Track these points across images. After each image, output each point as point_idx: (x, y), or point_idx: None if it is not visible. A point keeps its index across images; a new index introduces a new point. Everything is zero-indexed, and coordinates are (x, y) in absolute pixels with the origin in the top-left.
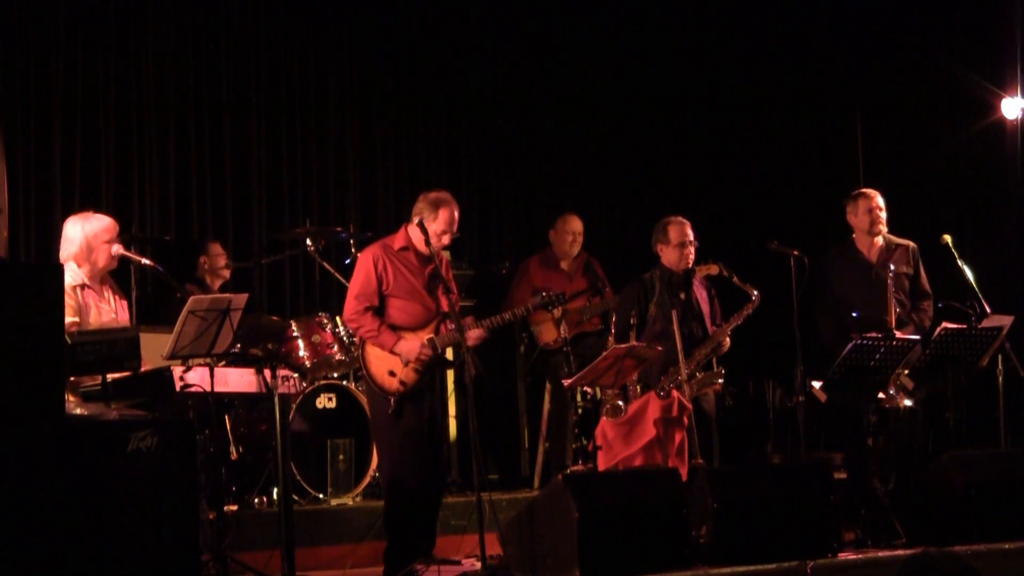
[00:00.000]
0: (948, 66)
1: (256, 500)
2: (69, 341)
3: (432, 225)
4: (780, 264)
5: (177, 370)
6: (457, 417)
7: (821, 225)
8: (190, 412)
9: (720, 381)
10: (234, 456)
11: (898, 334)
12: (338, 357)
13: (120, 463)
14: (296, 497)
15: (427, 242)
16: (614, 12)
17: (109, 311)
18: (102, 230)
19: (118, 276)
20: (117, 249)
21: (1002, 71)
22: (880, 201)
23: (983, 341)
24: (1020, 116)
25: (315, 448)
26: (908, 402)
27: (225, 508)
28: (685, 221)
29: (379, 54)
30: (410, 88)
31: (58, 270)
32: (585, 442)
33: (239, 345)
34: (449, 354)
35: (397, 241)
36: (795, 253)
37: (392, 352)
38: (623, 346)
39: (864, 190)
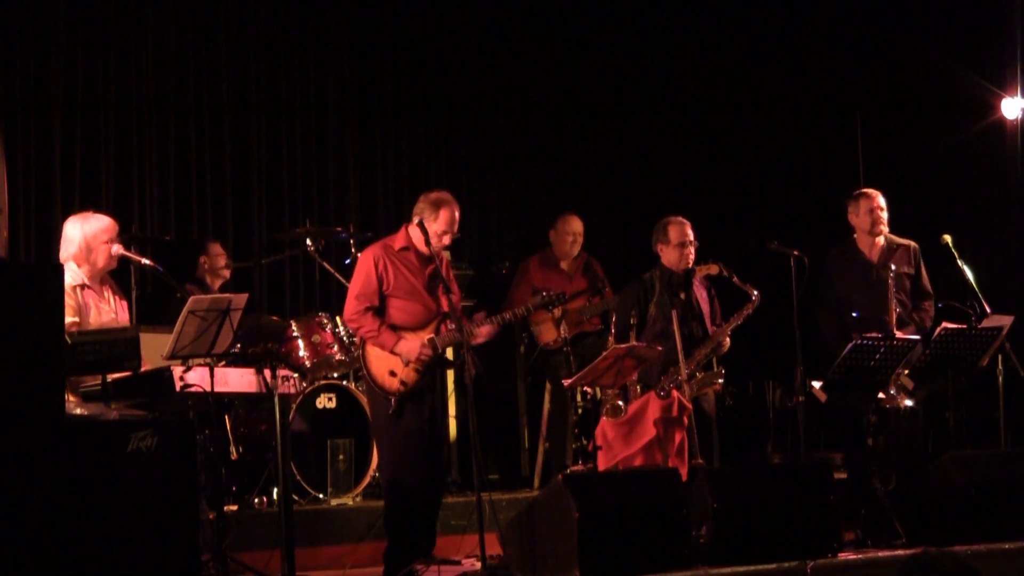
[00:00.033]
0: (948, 66)
1: (256, 500)
2: (69, 341)
3: (433, 225)
4: (780, 264)
5: (177, 370)
6: (457, 417)
7: (821, 225)
8: (190, 412)
9: (720, 381)
10: (234, 456)
11: (898, 334)
12: (338, 357)
13: (120, 463)
14: (296, 497)
15: (427, 242)
16: (614, 12)
17: (109, 311)
18: (101, 230)
19: (118, 276)
20: (117, 249)
21: (1002, 71)
22: (881, 201)
23: (983, 341)
24: (1020, 116)
25: (315, 448)
26: (909, 402)
27: (225, 508)
28: (685, 221)
29: (379, 54)
30: (410, 88)
31: (58, 270)
32: (585, 442)
33: (239, 345)
34: (449, 354)
35: (398, 241)
36: (795, 253)
37: (393, 352)
38: (623, 346)
39: (866, 190)
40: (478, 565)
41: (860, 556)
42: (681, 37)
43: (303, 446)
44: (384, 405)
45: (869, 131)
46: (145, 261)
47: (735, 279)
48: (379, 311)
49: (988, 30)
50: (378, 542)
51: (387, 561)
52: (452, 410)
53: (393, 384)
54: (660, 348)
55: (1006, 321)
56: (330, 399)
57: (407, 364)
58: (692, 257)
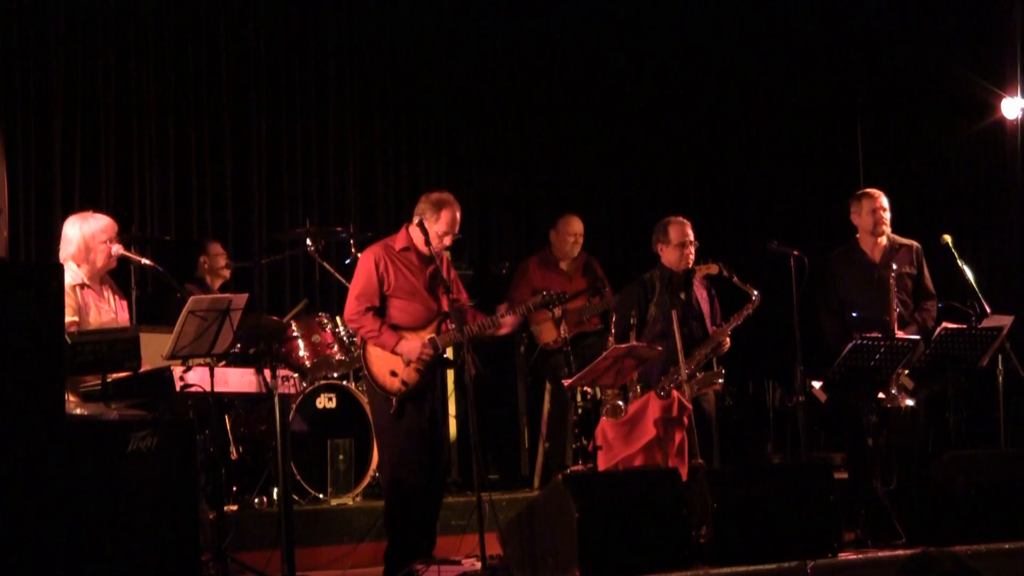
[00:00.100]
0: (948, 66)
1: (256, 500)
2: (69, 341)
3: (434, 226)
4: (780, 264)
5: (177, 370)
6: (457, 417)
7: (821, 225)
8: (190, 412)
9: (720, 381)
10: (234, 456)
11: (899, 334)
12: (338, 357)
13: (120, 463)
14: (296, 497)
15: (427, 242)
16: (614, 12)
17: (109, 311)
18: (100, 230)
19: (118, 276)
20: (117, 249)
21: (1002, 71)
22: (884, 201)
23: (983, 341)
24: (1020, 116)
25: (315, 448)
26: (910, 402)
27: (225, 508)
28: (685, 221)
29: (379, 54)
30: (410, 88)
31: (58, 270)
32: (585, 442)
33: (239, 345)
34: (449, 353)
35: (398, 241)
36: (795, 253)
37: (394, 352)
38: (623, 346)
39: (868, 190)
40: (478, 565)
41: (860, 556)
42: (681, 37)
43: (303, 446)
44: (385, 405)
45: (869, 131)
46: (145, 261)
47: (735, 279)
48: (380, 311)
49: (988, 30)
50: (378, 542)
51: (387, 561)
52: (452, 410)
53: (394, 384)
54: (660, 348)
55: (1006, 321)
56: (330, 399)
57: (408, 364)
58: (692, 257)
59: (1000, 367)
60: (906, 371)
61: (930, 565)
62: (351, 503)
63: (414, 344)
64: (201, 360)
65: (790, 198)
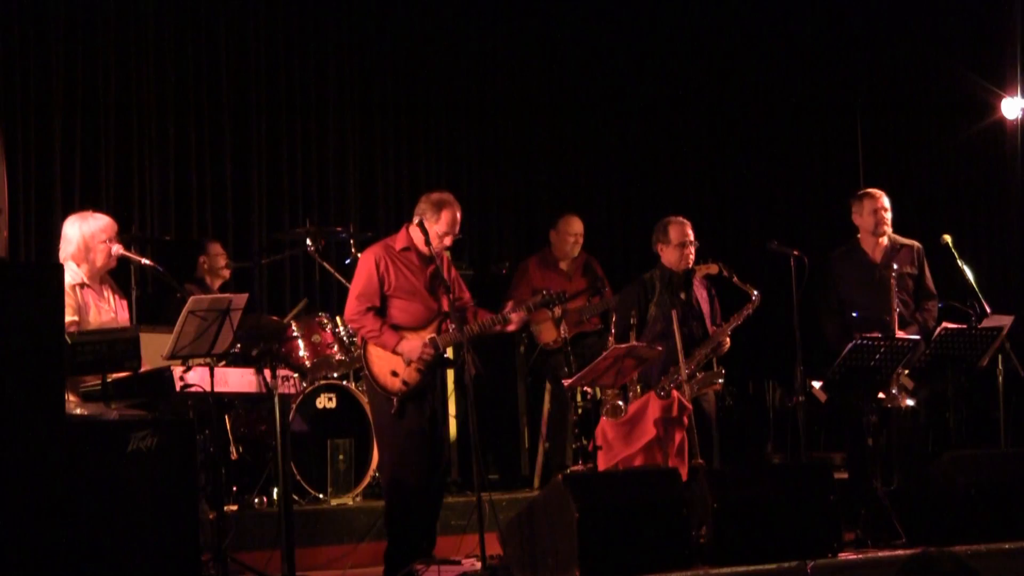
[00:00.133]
0: (948, 66)
1: (256, 500)
2: (69, 341)
3: (434, 226)
4: (780, 264)
5: (177, 370)
6: (457, 417)
7: (821, 225)
8: (190, 412)
9: (720, 381)
10: (234, 456)
11: (899, 334)
12: (338, 357)
13: (120, 463)
14: (296, 497)
15: (427, 242)
16: (614, 12)
17: (109, 310)
18: (99, 229)
19: (118, 276)
20: (117, 249)
21: (1002, 71)
22: (885, 202)
23: (983, 341)
24: (1020, 116)
25: (315, 448)
26: (910, 402)
27: (225, 508)
28: (685, 221)
29: (379, 54)
30: (410, 88)
31: (58, 270)
32: (585, 442)
33: (239, 345)
34: (450, 353)
35: (398, 241)
36: (795, 253)
37: (394, 352)
38: (623, 346)
39: (870, 190)
40: (478, 565)
41: (860, 556)
42: (681, 37)
43: (303, 446)
44: (386, 405)
45: (869, 131)
46: (145, 261)
47: (735, 279)
48: (380, 311)
49: (988, 30)
50: (378, 542)
51: (387, 561)
52: (452, 410)
53: (395, 384)
54: (660, 348)
55: (1006, 321)
56: (330, 399)
57: (409, 364)
58: (692, 257)
59: (1000, 367)
60: (906, 371)
61: (930, 565)
62: (351, 503)
63: (415, 344)
64: (201, 360)
65: (790, 198)
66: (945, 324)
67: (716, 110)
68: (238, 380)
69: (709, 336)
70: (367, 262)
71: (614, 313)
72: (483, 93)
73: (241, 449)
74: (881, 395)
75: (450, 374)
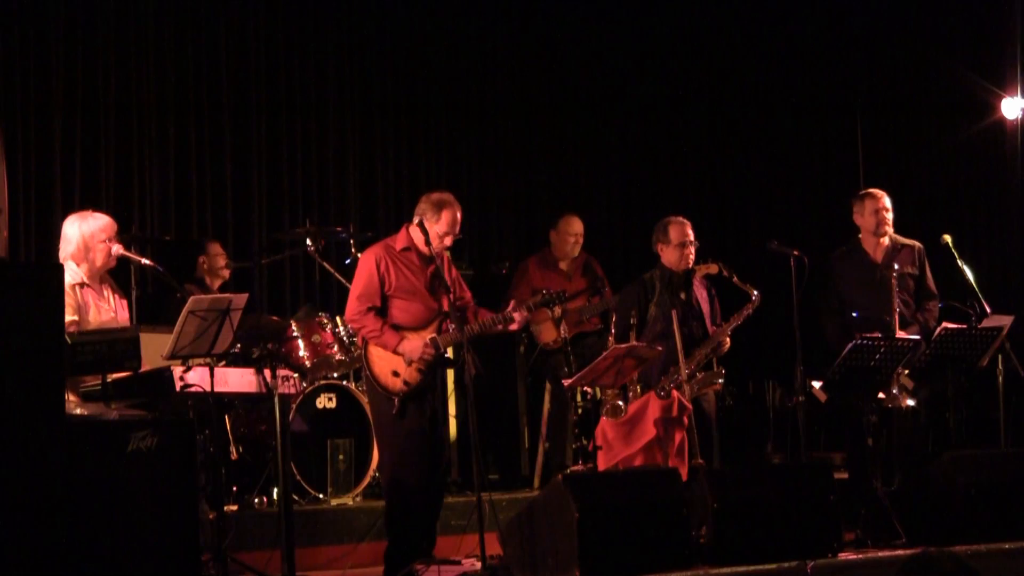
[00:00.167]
0: (948, 66)
1: (256, 500)
2: (69, 341)
3: (435, 227)
4: (780, 264)
5: (177, 370)
6: (457, 417)
7: (821, 225)
8: (190, 412)
9: (720, 381)
10: (234, 456)
11: (899, 334)
12: (338, 357)
13: (120, 463)
14: (296, 497)
15: (428, 242)
16: (614, 12)
17: (108, 310)
18: (99, 229)
19: (118, 276)
20: (117, 249)
21: (1002, 71)
22: (887, 202)
23: (983, 341)
24: (1020, 116)
25: (315, 448)
26: (910, 402)
27: (225, 508)
28: (685, 221)
29: (379, 54)
30: (410, 88)
31: (58, 270)
32: (585, 442)
33: (239, 345)
34: (450, 353)
35: (399, 241)
36: (795, 253)
37: (395, 352)
38: (623, 346)
39: (871, 190)
40: (478, 565)
41: (860, 556)
42: (681, 37)
43: (303, 446)
44: (386, 405)
45: (869, 131)
46: (145, 261)
47: (735, 279)
48: (381, 311)
49: (988, 30)
50: (378, 542)
51: (387, 561)
52: (452, 410)
53: (396, 384)
54: (660, 348)
55: (1006, 321)
56: (330, 399)
57: (410, 364)
58: (692, 257)
59: (1000, 367)
60: (906, 371)
61: (930, 565)
62: (351, 503)
63: (416, 344)
64: (201, 360)
65: (790, 198)
66: (945, 324)
67: (716, 110)
68: (238, 380)
69: (709, 336)
70: (367, 262)
71: (614, 313)
72: (483, 93)
73: (241, 449)
74: (881, 395)
75: (450, 374)
